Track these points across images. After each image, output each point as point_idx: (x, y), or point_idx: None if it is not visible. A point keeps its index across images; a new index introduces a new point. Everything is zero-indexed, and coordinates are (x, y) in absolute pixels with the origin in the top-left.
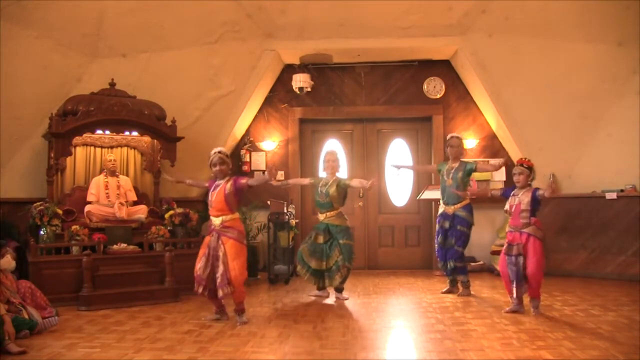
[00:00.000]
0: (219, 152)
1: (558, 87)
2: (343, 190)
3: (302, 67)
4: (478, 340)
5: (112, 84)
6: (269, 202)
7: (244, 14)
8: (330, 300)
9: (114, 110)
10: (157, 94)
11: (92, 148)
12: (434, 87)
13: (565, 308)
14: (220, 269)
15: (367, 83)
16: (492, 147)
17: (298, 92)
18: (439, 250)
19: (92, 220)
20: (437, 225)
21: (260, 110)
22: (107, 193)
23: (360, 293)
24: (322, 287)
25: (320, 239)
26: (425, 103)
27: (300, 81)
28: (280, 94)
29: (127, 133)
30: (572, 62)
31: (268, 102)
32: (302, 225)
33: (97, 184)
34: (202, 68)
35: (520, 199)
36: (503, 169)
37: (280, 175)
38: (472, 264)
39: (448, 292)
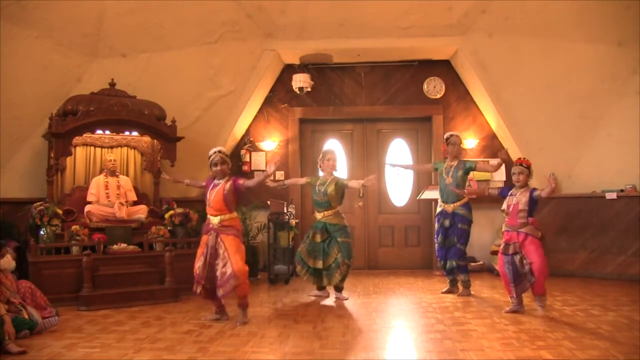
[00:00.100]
0: (220, 152)
1: (558, 87)
2: (341, 189)
3: (302, 67)
4: (478, 340)
5: (112, 84)
6: (269, 202)
7: (244, 14)
8: (330, 300)
9: (114, 110)
10: (157, 94)
11: (92, 148)
12: (434, 87)
13: (565, 308)
14: (220, 267)
15: (367, 83)
16: (492, 147)
17: (298, 92)
18: (439, 249)
19: (92, 220)
20: (436, 225)
21: (260, 110)
22: (107, 193)
23: (360, 293)
24: (322, 287)
25: (318, 238)
26: (425, 103)
27: (300, 81)
28: (280, 94)
29: (127, 133)
30: (572, 62)
31: (268, 102)
32: (302, 225)
33: (97, 184)
34: (202, 68)
35: (518, 198)
36: (503, 168)
37: (280, 175)
38: (472, 264)
39: (448, 292)
